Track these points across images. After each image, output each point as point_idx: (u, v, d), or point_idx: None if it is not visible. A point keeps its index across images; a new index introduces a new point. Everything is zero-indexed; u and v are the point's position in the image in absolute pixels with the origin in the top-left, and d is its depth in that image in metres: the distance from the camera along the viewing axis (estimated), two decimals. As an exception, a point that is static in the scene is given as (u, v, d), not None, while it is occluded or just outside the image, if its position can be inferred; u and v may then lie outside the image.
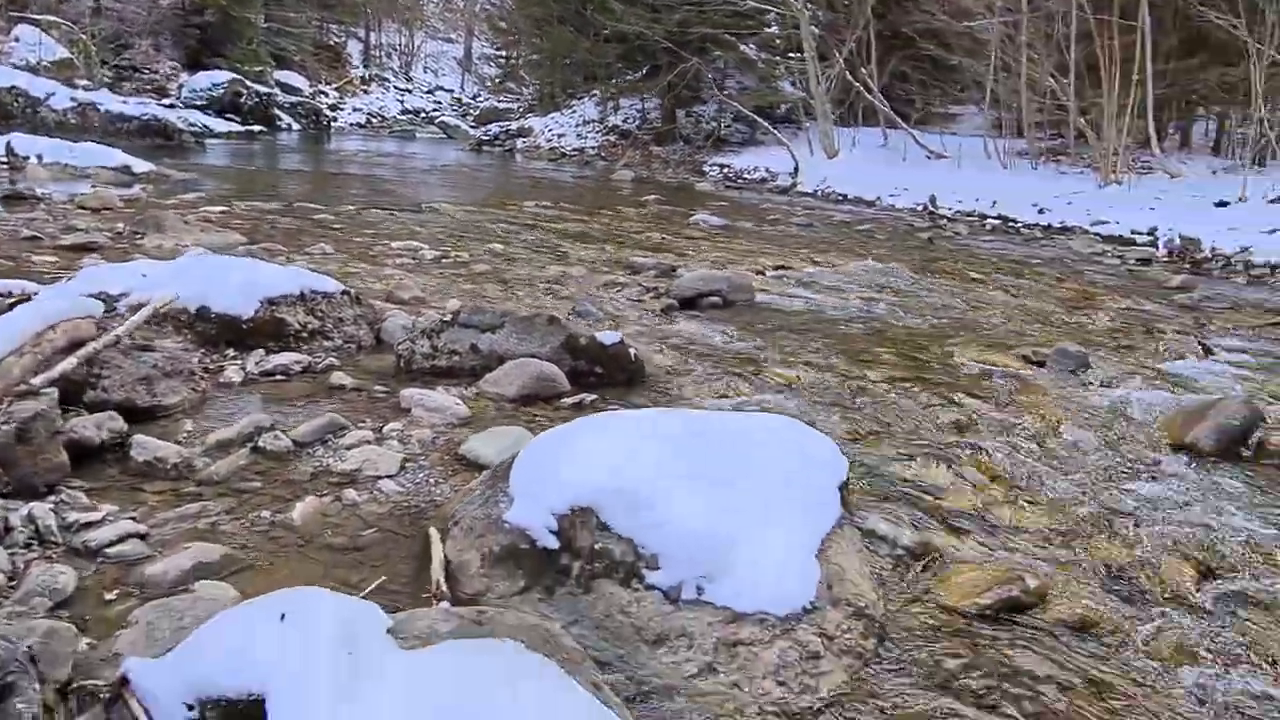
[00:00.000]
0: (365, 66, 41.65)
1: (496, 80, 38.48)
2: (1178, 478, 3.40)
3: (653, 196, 12.94)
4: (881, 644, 2.18)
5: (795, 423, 2.76)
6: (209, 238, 6.35)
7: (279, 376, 3.66)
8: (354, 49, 41.84)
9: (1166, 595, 2.56)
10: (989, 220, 11.44)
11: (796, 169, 15.87)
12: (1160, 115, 12.62)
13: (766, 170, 16.85)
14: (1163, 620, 2.44)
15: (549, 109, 27.89)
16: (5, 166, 10.87)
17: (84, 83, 20.00)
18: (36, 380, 2.53)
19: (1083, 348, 4.91)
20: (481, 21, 40.83)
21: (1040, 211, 11.23)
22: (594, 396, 3.70)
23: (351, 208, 9.10)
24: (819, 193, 14.49)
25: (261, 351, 3.85)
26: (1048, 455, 3.54)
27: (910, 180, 13.37)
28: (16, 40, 19.92)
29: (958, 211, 11.98)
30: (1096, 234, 10.28)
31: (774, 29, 17.86)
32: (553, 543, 2.18)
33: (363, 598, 1.88)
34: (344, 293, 4.24)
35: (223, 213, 8.04)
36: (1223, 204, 10.56)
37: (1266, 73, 11.07)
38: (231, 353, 3.84)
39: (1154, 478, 3.39)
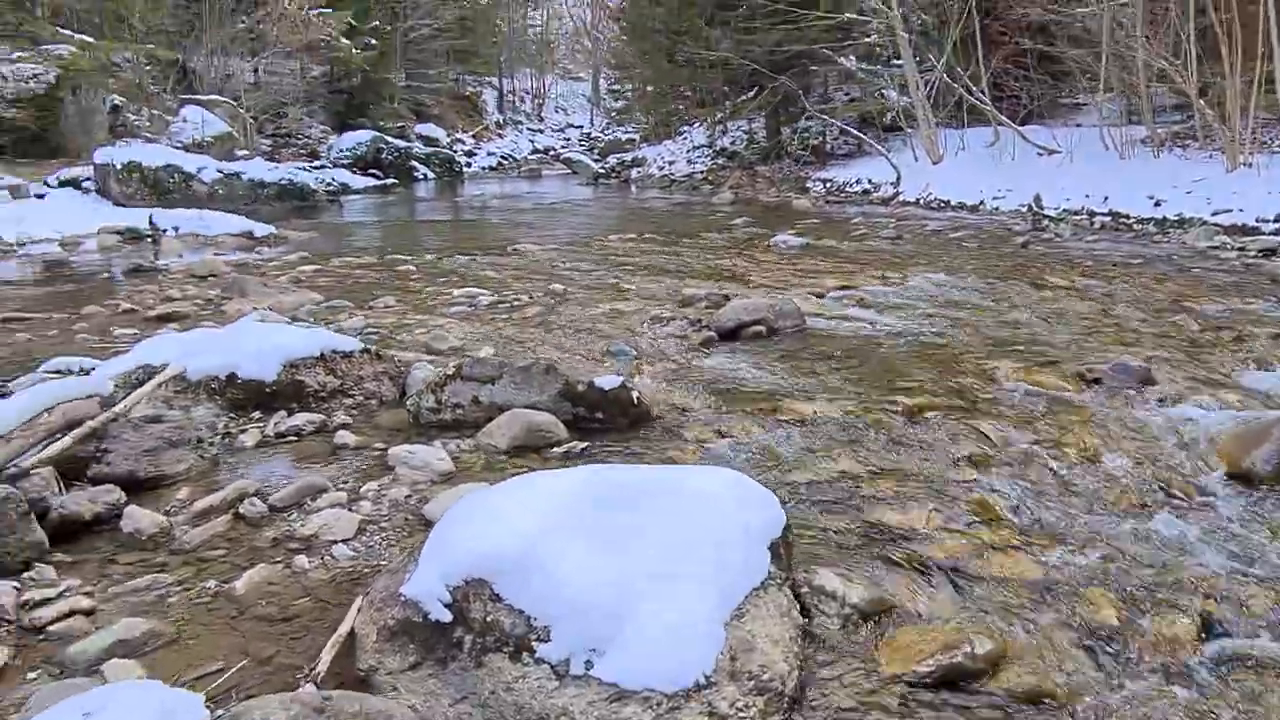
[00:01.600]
0: (500, 112, 43.64)
1: (618, 113, 39.46)
2: (1215, 512, 3.04)
3: (742, 219, 12.82)
4: (787, 720, 2.04)
5: (734, 476, 2.64)
6: (286, 298, 6.77)
7: (291, 438, 3.84)
8: (489, 97, 43.96)
9: (1152, 659, 2.28)
10: (1098, 218, 10.65)
11: (898, 178, 15.33)
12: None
13: (869, 181, 16.37)
14: (1139, 690, 2.17)
15: (662, 137, 28.28)
16: (150, 240, 12.04)
17: (243, 153, 21.93)
18: (27, 462, 2.76)
19: (1148, 362, 4.48)
20: (606, 59, 41.94)
21: (1156, 204, 10.35)
22: (584, 445, 3.69)
23: (437, 255, 9.48)
24: (920, 201, 13.95)
25: (283, 413, 4.06)
26: (1067, 491, 3.24)
27: (1016, 180, 12.65)
28: (184, 120, 22.07)
29: (1064, 210, 11.21)
30: (1216, 224, 9.37)
31: (873, 38, 17.42)
32: (445, 615, 2.16)
33: (231, 682, 1.93)
34: (364, 351, 4.41)
35: (316, 271, 8.57)
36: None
37: None
38: (256, 415, 4.07)
39: (1187, 513, 3.04)
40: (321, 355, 4.23)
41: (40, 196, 15.40)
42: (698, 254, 9.49)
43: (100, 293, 7.53)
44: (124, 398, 3.39)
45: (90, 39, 18.63)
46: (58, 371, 4.26)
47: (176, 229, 12.27)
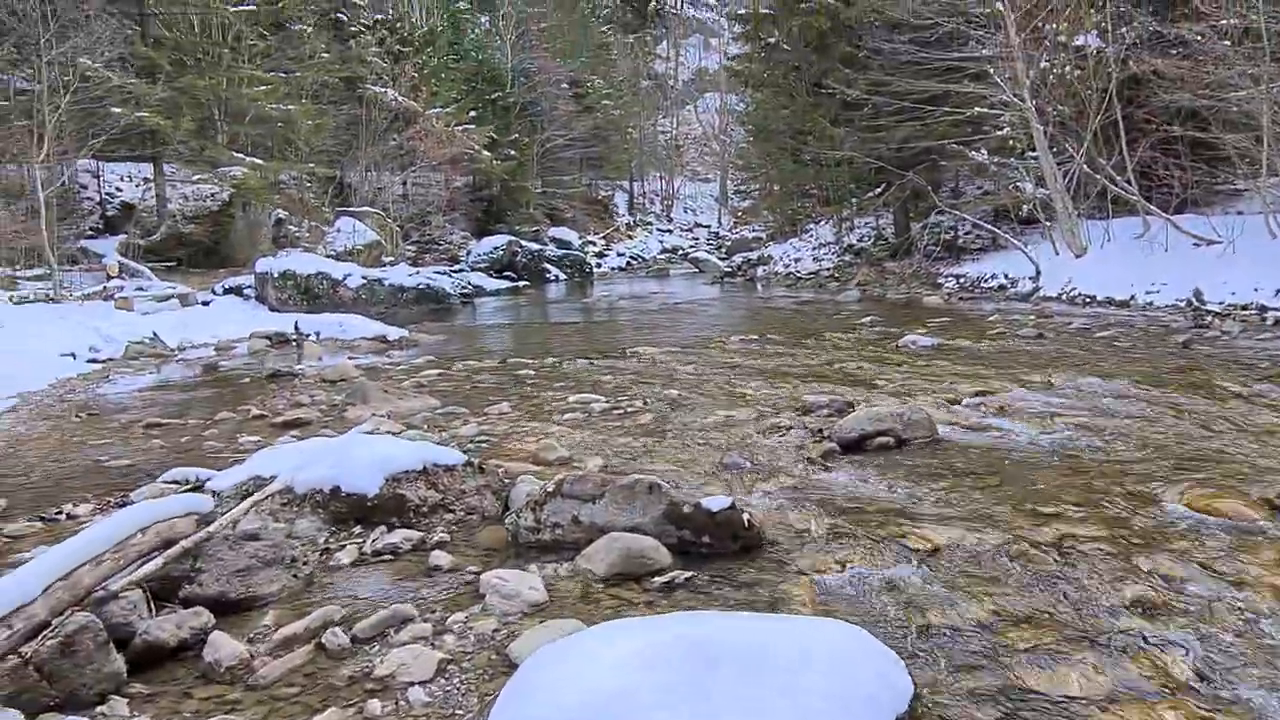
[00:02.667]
0: (630, 214, 45.11)
1: (744, 213, 40.06)
2: None
3: (870, 318, 12.40)
4: None
5: (853, 634, 2.30)
6: (405, 404, 6.87)
7: (388, 556, 3.73)
8: (620, 199, 45.61)
9: None
10: (1270, 313, 9.63)
11: (1038, 272, 14.55)
12: None
13: (1005, 276, 15.64)
14: None
15: (787, 235, 28.30)
16: (294, 343, 12.74)
17: (389, 259, 23.36)
18: (116, 584, 2.73)
19: (1353, 488, 3.82)
20: (733, 160, 42.91)
21: (1342, 296, 9.31)
22: (689, 574, 3.39)
23: (558, 359, 9.52)
24: (1063, 296, 13.14)
25: (384, 528, 3.98)
26: (1269, 654, 2.69)
27: (1171, 273, 11.73)
28: (338, 230, 23.79)
29: (1229, 305, 10.24)
30: None
31: (1005, 131, 16.92)
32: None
33: None
34: (467, 464, 4.31)
35: (438, 375, 8.73)
36: None
37: None
38: (357, 530, 4.00)
39: None
40: (424, 469, 4.16)
41: (205, 304, 16.71)
42: (822, 355, 9.14)
43: (238, 397, 7.89)
44: (222, 515, 3.37)
45: (260, 160, 20.42)
46: (174, 482, 4.35)
47: (318, 333, 12.95)
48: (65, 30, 16.49)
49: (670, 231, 45.23)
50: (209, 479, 4.36)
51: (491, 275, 26.07)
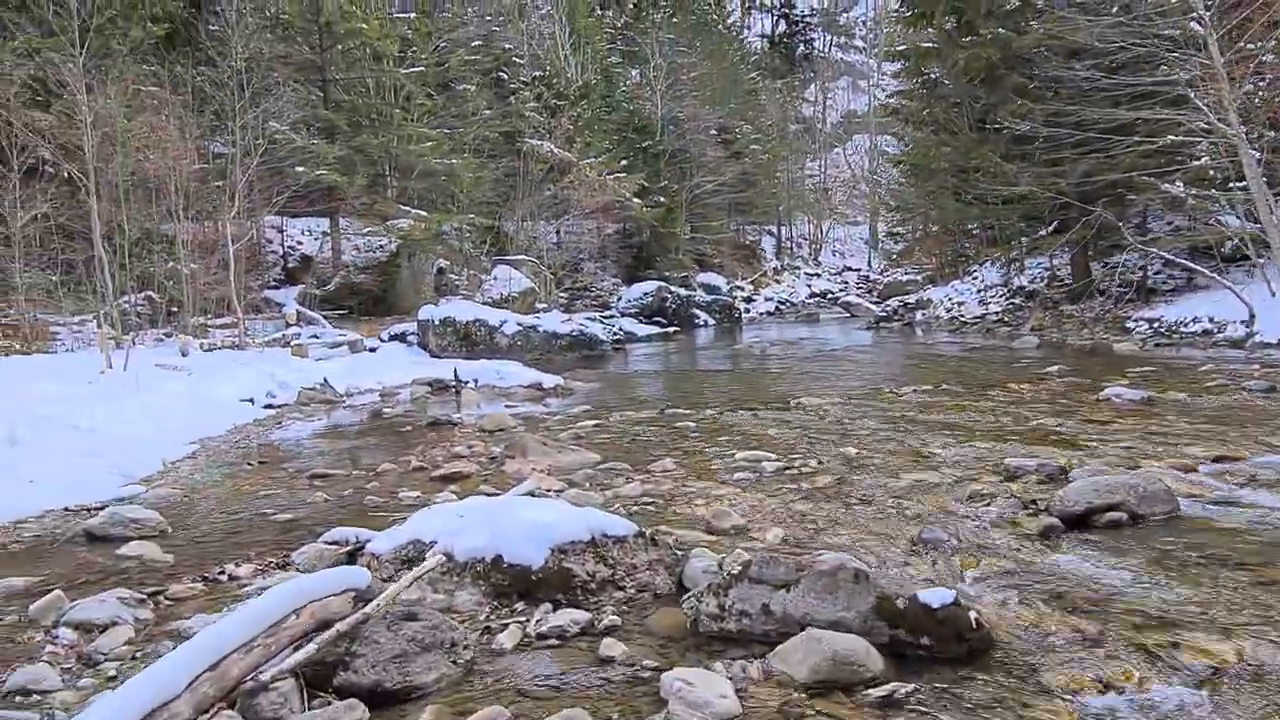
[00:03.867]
0: (777, 258, 44.64)
1: (897, 256, 38.83)
2: None
3: (1055, 367, 11.29)
4: None
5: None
6: (565, 458, 6.58)
7: (553, 640, 3.34)
8: (767, 244, 45.26)
9: None
10: None
11: (1251, 316, 12.92)
12: None
13: (1209, 320, 14.03)
14: None
15: (948, 278, 26.98)
16: (453, 390, 12.89)
17: (542, 305, 23.82)
18: (267, 674, 2.46)
19: None
20: (884, 202, 41.88)
21: None
22: (910, 687, 2.81)
23: (717, 410, 9.07)
24: (1288, 343, 11.56)
25: (548, 605, 3.61)
26: None
27: None
28: (495, 278, 24.51)
29: None
30: None
31: (1203, 160, 15.32)
32: None
33: None
34: (638, 535, 3.89)
35: (596, 426, 8.44)
36: None
37: None
38: (520, 606, 3.64)
39: None
40: (592, 539, 3.77)
41: (373, 349, 17.38)
42: (1010, 410, 8.25)
43: (399, 445, 7.87)
44: (380, 592, 3.08)
45: (424, 213, 21.29)
46: (335, 543, 4.16)
47: (475, 381, 13.06)
48: (256, 97, 17.79)
49: (818, 275, 44.42)
50: (369, 540, 4.14)
51: (641, 321, 26.14)
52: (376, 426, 9.45)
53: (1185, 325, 14.60)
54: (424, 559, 3.86)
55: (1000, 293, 23.38)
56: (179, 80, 16.90)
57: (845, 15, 72.71)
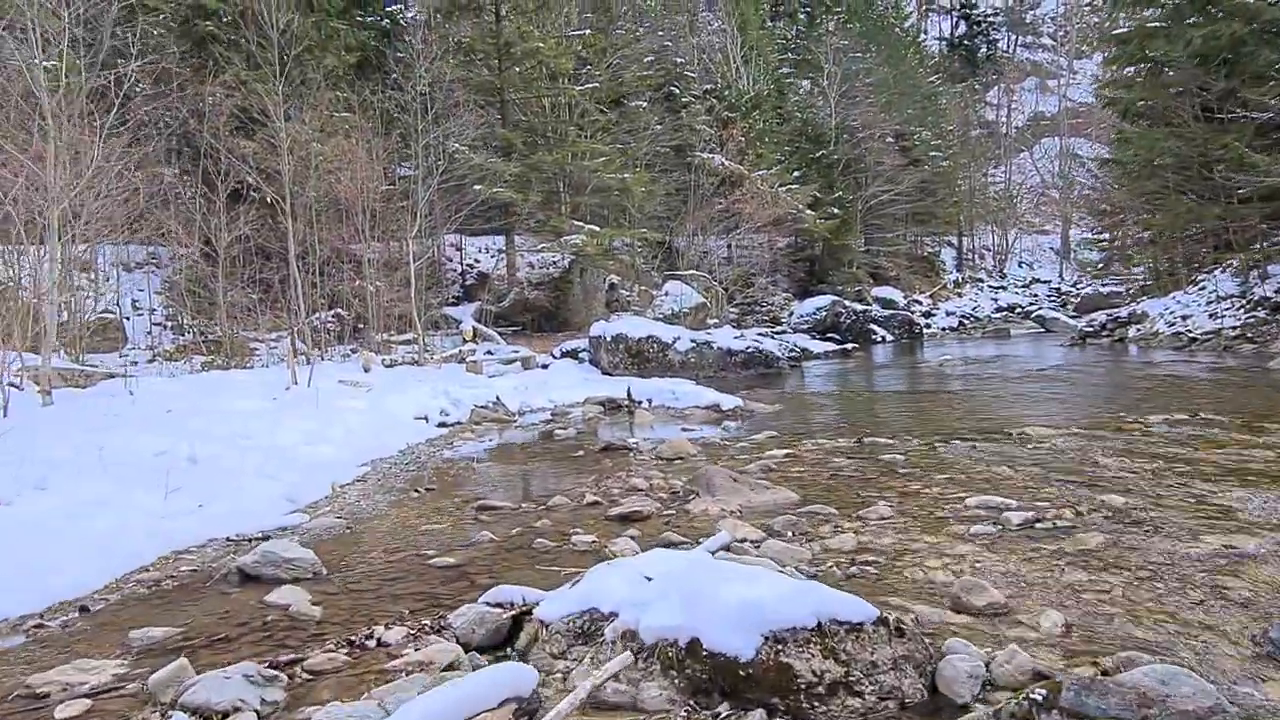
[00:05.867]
0: (958, 270, 42.09)
1: (1098, 265, 35.48)
2: None
3: (1348, 394, 9.28)
4: None
5: None
6: (758, 498, 5.69)
7: (775, 772, 2.47)
8: (947, 255, 42.81)
9: None
10: None
11: None
12: None
13: None
14: None
15: (1167, 289, 24.03)
16: (626, 409, 12.30)
17: (713, 321, 23.14)
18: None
19: None
20: (1079, 208, 38.56)
21: None
22: None
23: (923, 440, 7.91)
24: None
25: (762, 713, 2.75)
26: None
27: None
28: (666, 294, 24.07)
29: None
30: None
31: None
32: None
33: None
34: (879, 622, 2.95)
35: (786, 456, 7.50)
36: None
37: None
38: (724, 710, 2.80)
39: None
40: (819, 626, 2.88)
41: (545, 366, 17.18)
42: (1308, 448, 6.62)
43: (572, 472, 7.25)
44: (548, 707, 2.32)
45: (596, 228, 21.08)
46: (499, 605, 3.47)
47: (649, 401, 12.40)
48: (438, 119, 18.12)
49: (1004, 288, 41.55)
50: (536, 603, 3.44)
51: (814, 337, 24.97)
52: (548, 449, 8.92)
53: None
54: (601, 634, 3.11)
55: (1237, 305, 20.43)
56: (368, 105, 17.45)
57: (1031, 12, 68.14)
